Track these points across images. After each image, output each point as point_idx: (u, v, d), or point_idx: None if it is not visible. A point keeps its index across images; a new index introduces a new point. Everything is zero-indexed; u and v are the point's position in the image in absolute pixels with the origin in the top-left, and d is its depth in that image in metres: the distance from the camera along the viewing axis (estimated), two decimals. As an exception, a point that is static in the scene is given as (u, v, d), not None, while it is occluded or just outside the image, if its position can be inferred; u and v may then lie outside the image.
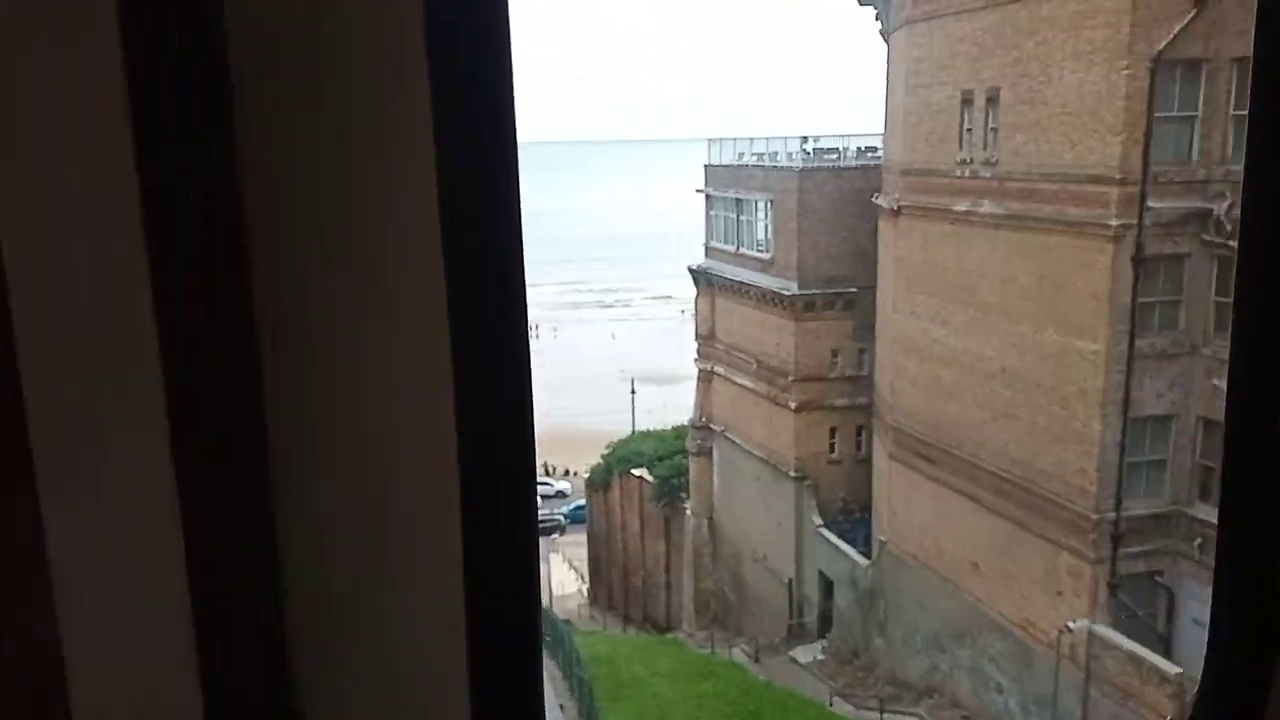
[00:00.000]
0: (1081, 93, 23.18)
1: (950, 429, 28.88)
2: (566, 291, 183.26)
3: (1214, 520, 14.47)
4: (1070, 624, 21.93)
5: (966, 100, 27.45)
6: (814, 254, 37.09)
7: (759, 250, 40.15)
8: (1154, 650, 22.68)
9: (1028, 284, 25.07)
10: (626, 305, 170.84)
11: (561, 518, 76.32)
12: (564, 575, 69.03)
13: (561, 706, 29.50)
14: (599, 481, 63.08)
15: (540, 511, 76.43)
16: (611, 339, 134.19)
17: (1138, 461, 23.43)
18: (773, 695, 30.78)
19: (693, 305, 48.67)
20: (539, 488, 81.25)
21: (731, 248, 42.52)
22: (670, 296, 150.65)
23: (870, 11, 35.65)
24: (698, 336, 47.14)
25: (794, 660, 36.54)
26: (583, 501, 71.06)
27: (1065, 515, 24.20)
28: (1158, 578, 23.92)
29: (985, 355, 26.86)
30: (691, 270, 46.49)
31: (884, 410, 33.39)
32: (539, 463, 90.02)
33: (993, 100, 26.30)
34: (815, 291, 36.94)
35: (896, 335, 31.84)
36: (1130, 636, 22.83)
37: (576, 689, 28.33)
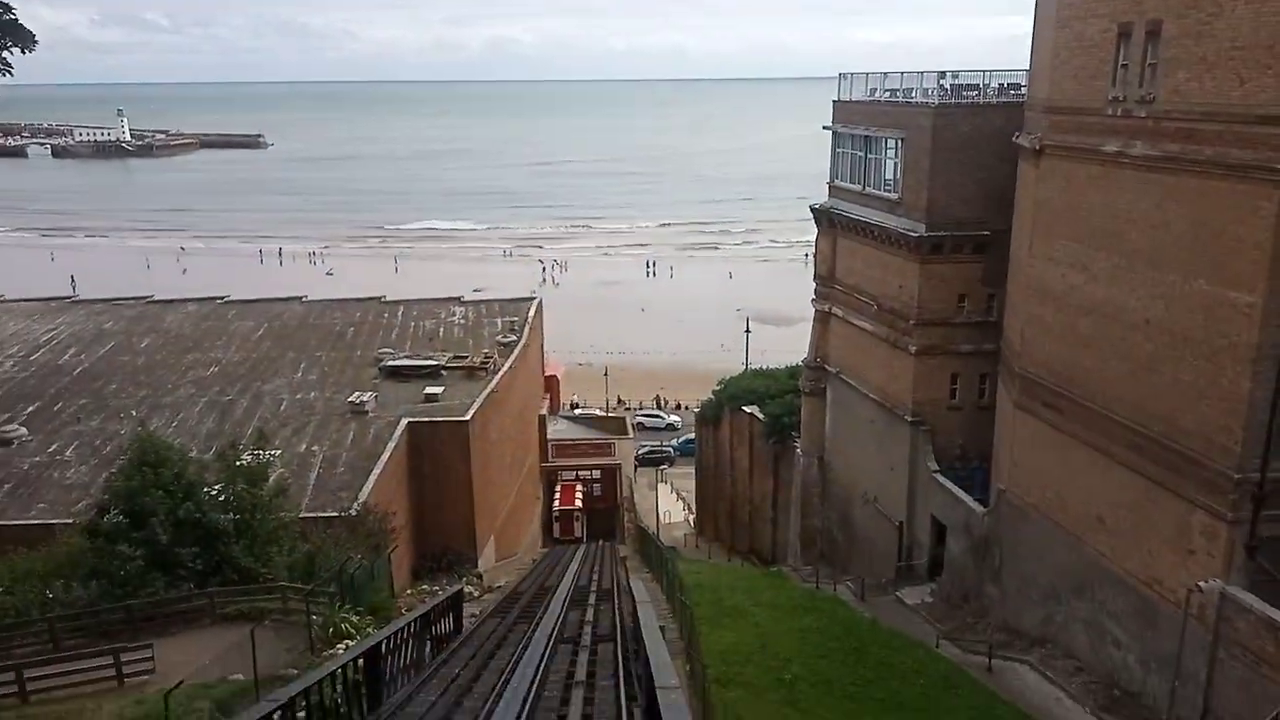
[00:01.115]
0: (1257, 25, 21.43)
1: (1084, 380, 27.74)
2: (687, 231, 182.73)
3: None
4: (1201, 583, 21.04)
5: (1124, 33, 25.72)
6: (945, 194, 35.81)
7: (886, 190, 39.02)
8: (1292, 617, 21.60)
9: (1181, 231, 23.61)
10: (748, 244, 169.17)
11: (671, 450, 77.23)
12: (671, 505, 70.17)
13: (663, 628, 30.19)
14: (710, 416, 63.47)
15: (650, 443, 77.50)
16: (729, 278, 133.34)
17: (1290, 420, 22.06)
18: (877, 633, 30.70)
19: (813, 246, 47.82)
20: (650, 420, 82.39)
21: (857, 186, 41.44)
22: (791, 243, 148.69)
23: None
24: (816, 276, 46.42)
25: (900, 601, 36.38)
26: (692, 435, 71.68)
27: (1204, 473, 23.06)
28: (1303, 542, 22.67)
29: (1128, 305, 25.54)
30: (814, 209, 45.61)
31: (1012, 358, 32.29)
32: (651, 396, 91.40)
33: (1153, 34, 24.56)
34: (944, 234, 35.75)
35: (1031, 281, 30.58)
36: (1268, 601, 21.76)
37: (678, 612, 28.80)
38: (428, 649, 20.60)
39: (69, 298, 68.03)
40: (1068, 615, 29.21)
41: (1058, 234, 28.93)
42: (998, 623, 32.56)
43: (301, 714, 12.57)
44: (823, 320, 46.04)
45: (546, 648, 18.78)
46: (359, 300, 63.91)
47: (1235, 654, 22.25)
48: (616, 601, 25.93)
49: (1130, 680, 26.38)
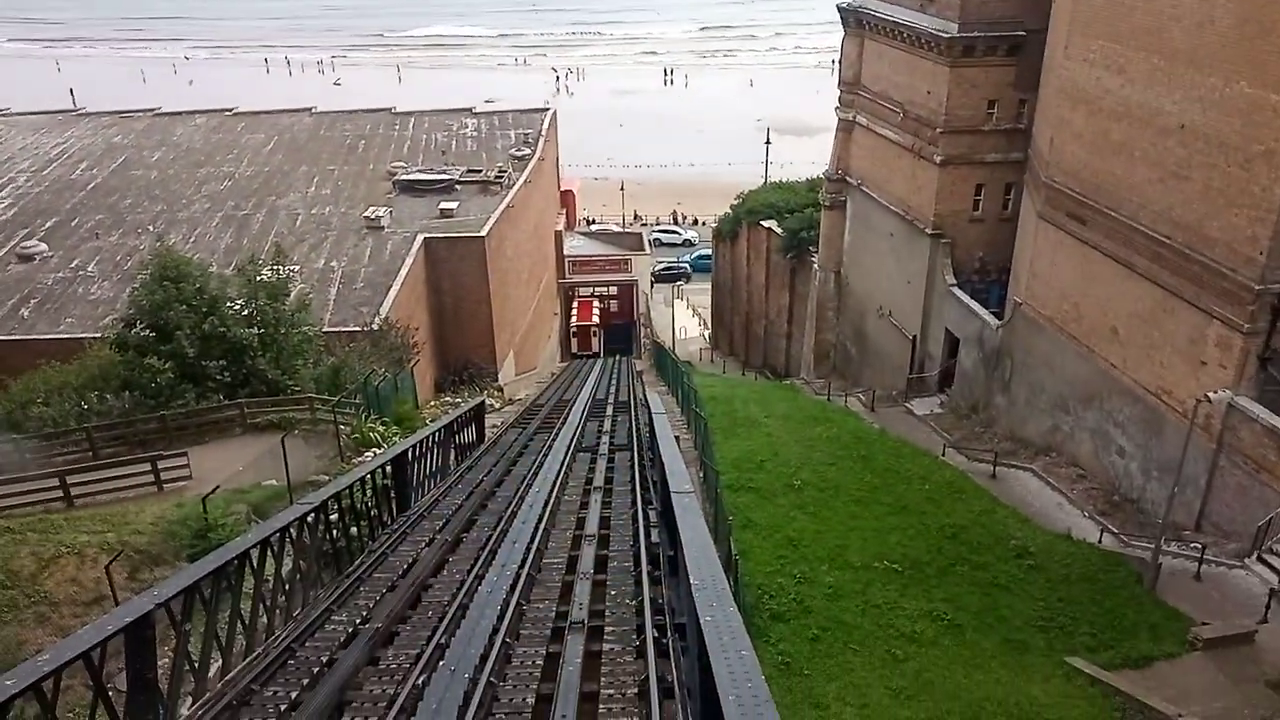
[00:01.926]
0: None
1: (1111, 189, 27.07)
2: (704, 38, 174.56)
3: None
4: (1211, 394, 21.28)
5: None
6: (980, -10, 33.79)
7: (918, -14, 36.82)
8: (1298, 426, 21.98)
9: (1227, 28, 22.30)
10: (774, 50, 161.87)
11: (688, 265, 77.06)
12: (687, 320, 70.79)
13: (678, 438, 31.16)
14: (727, 231, 62.93)
15: (668, 258, 77.29)
16: (750, 86, 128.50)
17: (1318, 231, 21.62)
18: (885, 442, 31.53)
19: (839, 50, 45.67)
20: (667, 236, 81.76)
21: (887, -17, 39.12)
22: (818, 49, 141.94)
23: None
24: (841, 83, 44.63)
25: (910, 411, 37.18)
26: (709, 250, 71.35)
27: (1225, 284, 22.85)
28: (1317, 354, 22.73)
29: (1164, 109, 24.53)
30: (840, 8, 43.25)
31: (1039, 166, 31.42)
32: (669, 211, 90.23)
33: None
34: (977, 34, 33.97)
35: (1064, 84, 29.30)
36: (1275, 411, 22.08)
37: (693, 423, 29.57)
38: (452, 457, 21.39)
39: (75, 111, 66.62)
40: (1074, 425, 29.83)
41: (1096, 33, 27.46)
42: (1004, 432, 33.33)
43: (334, 516, 13.21)
44: (846, 130, 44.66)
45: (566, 455, 19.46)
46: (369, 112, 62.31)
47: (1236, 461, 22.82)
48: (633, 413, 26.61)
49: (1130, 487, 27.23)
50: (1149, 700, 17.23)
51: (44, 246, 40.90)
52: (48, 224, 43.85)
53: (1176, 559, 22.67)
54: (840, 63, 45.16)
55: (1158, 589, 21.76)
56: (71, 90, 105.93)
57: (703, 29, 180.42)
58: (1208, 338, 23.65)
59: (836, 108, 45.10)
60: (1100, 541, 24.73)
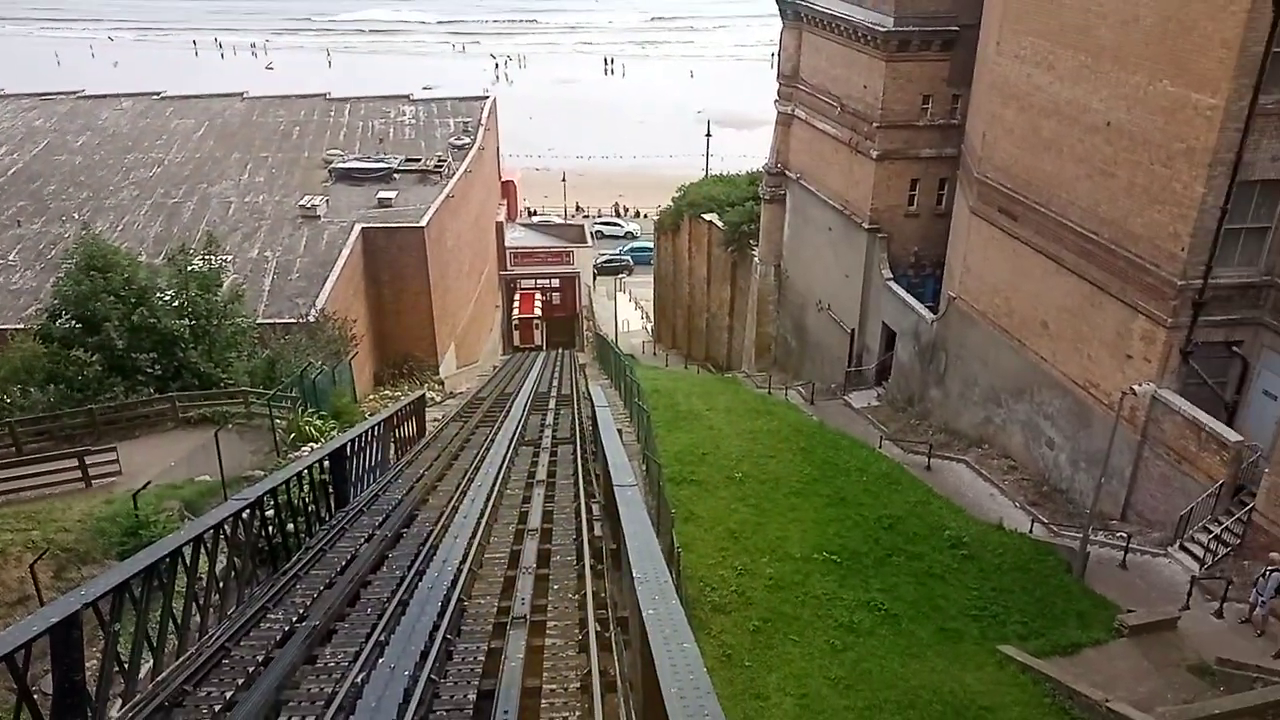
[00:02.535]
0: None
1: (1041, 185, 27.76)
2: (646, 28, 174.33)
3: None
4: (1136, 387, 21.96)
5: None
6: (916, -14, 34.32)
7: (856, -19, 37.25)
8: (1217, 418, 22.81)
9: (1150, 26, 22.98)
10: (713, 41, 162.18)
11: (629, 258, 77.08)
12: (630, 314, 70.81)
13: (620, 432, 31.21)
14: (668, 224, 63.09)
15: (609, 251, 77.21)
16: (690, 77, 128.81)
17: (1236, 228, 22.37)
18: (824, 435, 31.98)
19: (778, 43, 46.01)
20: (609, 228, 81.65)
21: (827, -23, 39.50)
22: (759, 43, 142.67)
23: None
24: (780, 76, 45.01)
25: (848, 404, 37.74)
26: (648, 243, 71.53)
27: (1149, 279, 23.61)
28: (1235, 348, 23.54)
29: (1091, 106, 25.22)
30: (779, 0, 43.57)
31: (972, 162, 32.09)
32: (610, 203, 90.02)
33: None
34: (912, 29, 34.52)
35: (996, 80, 29.95)
36: (1196, 404, 22.89)
37: (636, 416, 29.63)
38: (392, 451, 21.12)
39: (-8, 93, 64.11)
40: (1006, 417, 30.58)
41: (1026, 29, 28.11)
42: (939, 425, 34.04)
43: (270, 512, 12.96)
44: (785, 123, 45.05)
45: (508, 449, 19.35)
46: (304, 97, 61.01)
47: (1159, 453, 23.62)
48: (576, 406, 26.57)
49: (1059, 478, 28.02)
50: (1077, 686, 17.77)
51: (-39, 234, 39.34)
52: (-35, 210, 42.17)
53: (1104, 548, 23.39)
54: (779, 56, 45.53)
55: (1086, 577, 22.43)
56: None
57: (653, 19, 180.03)
58: (1133, 332, 24.40)
59: (775, 101, 45.47)
60: (1031, 531, 25.42)
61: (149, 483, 20.07)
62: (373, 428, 18.83)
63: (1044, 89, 27.33)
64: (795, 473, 27.60)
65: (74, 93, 62.22)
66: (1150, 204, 23.42)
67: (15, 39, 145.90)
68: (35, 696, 7.65)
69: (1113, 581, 22.28)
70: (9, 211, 42.24)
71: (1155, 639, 19.71)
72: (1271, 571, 18.85)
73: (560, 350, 52.42)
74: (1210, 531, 21.84)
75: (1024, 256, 28.85)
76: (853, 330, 40.21)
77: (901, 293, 36.65)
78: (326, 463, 15.69)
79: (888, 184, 37.04)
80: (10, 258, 37.83)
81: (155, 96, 60.79)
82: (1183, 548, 22.42)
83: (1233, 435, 21.90)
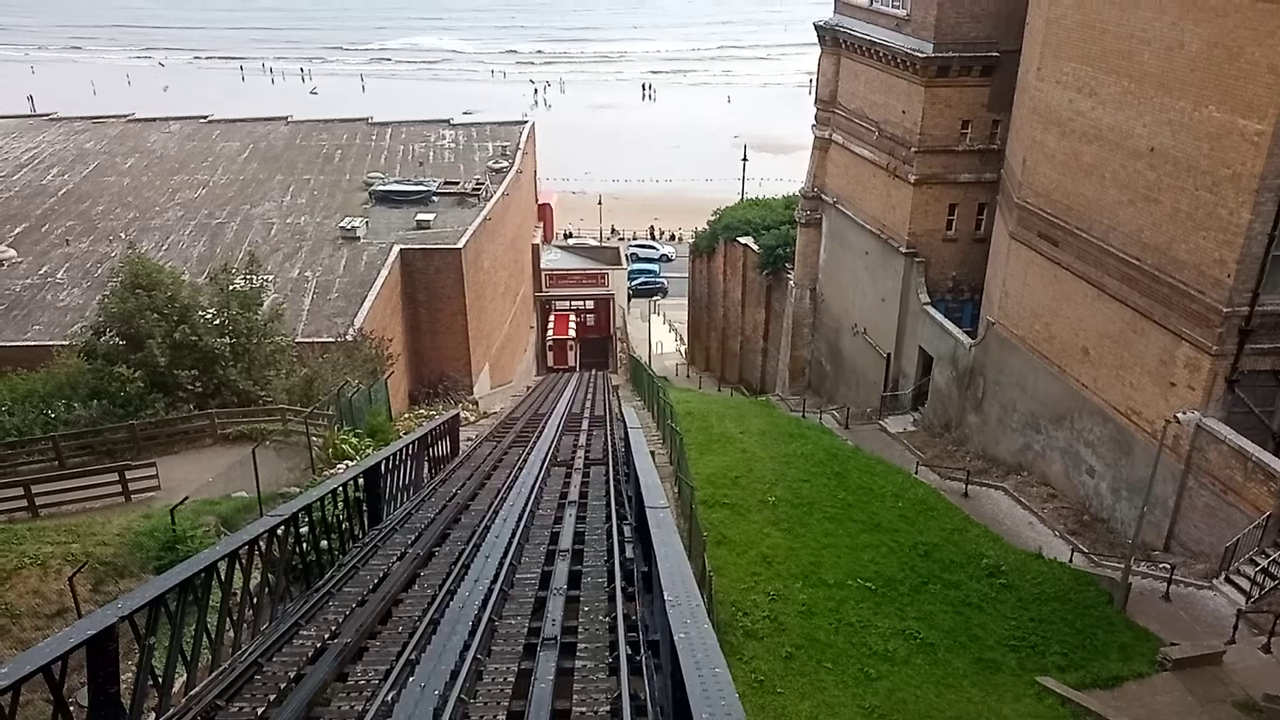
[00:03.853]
0: None
1: (1082, 210, 27.44)
2: (683, 56, 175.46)
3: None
4: (1180, 415, 21.54)
5: None
6: (955, 11, 34.25)
7: (894, 5, 37.26)
8: (1264, 447, 22.27)
9: (1196, 52, 22.72)
10: (753, 69, 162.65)
11: (664, 280, 77.18)
12: (663, 335, 70.83)
13: (653, 453, 31.13)
14: (704, 247, 63.09)
15: (644, 274, 77.40)
16: (727, 103, 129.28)
17: (1285, 255, 22.00)
18: (859, 459, 31.65)
19: (816, 68, 46.09)
20: (644, 250, 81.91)
21: (864, 1, 39.57)
22: (799, 71, 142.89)
23: None
24: (818, 101, 45.04)
25: (884, 429, 37.37)
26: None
27: (1193, 306, 23.19)
28: (1283, 376, 23.09)
29: (1134, 132, 24.93)
30: (818, 26, 43.71)
31: (1012, 187, 31.81)
32: (646, 226, 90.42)
33: None
34: (952, 55, 34.43)
35: (1037, 106, 29.71)
36: (1242, 433, 22.38)
37: (668, 439, 29.55)
38: (426, 470, 21.22)
39: (46, 115, 65.88)
40: (1045, 444, 30.09)
41: (1068, 55, 27.89)
42: (976, 451, 33.57)
43: (304, 529, 13.04)
44: (822, 148, 45.01)
45: (541, 469, 19.35)
46: (345, 121, 62.10)
47: (1204, 482, 23.09)
48: (609, 427, 26.55)
49: (1100, 507, 27.48)
50: None
51: (13, 252, 40.34)
52: (17, 230, 43.26)
53: (1146, 579, 22.87)
54: (817, 80, 45.57)
55: (1128, 609, 21.93)
56: (31, 97, 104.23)
57: (694, 49, 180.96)
58: (1177, 359, 23.96)
59: (813, 125, 45.47)
60: (1071, 561, 24.91)
61: (187, 498, 20.30)
62: (407, 446, 18.92)
63: (1086, 114, 27.06)
64: (829, 498, 27.31)
65: (124, 116, 63.80)
66: (1195, 230, 23.05)
67: (71, 66, 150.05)
68: (71, 708, 7.73)
69: (1155, 614, 21.75)
70: (58, 231, 43.27)
71: (1199, 673, 19.18)
72: (1322, 607, 18.31)
73: (594, 372, 52.51)
74: (1257, 564, 21.28)
75: (1065, 282, 28.48)
76: (889, 354, 39.88)
77: (939, 317, 36.32)
78: (361, 480, 15.78)
79: (925, 208, 36.83)
80: (59, 276, 38.70)
81: (202, 120, 62.16)
82: (1228, 580, 21.85)
83: (1281, 466, 21.38)
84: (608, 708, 8.44)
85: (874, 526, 25.65)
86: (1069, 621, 21.63)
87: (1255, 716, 17.87)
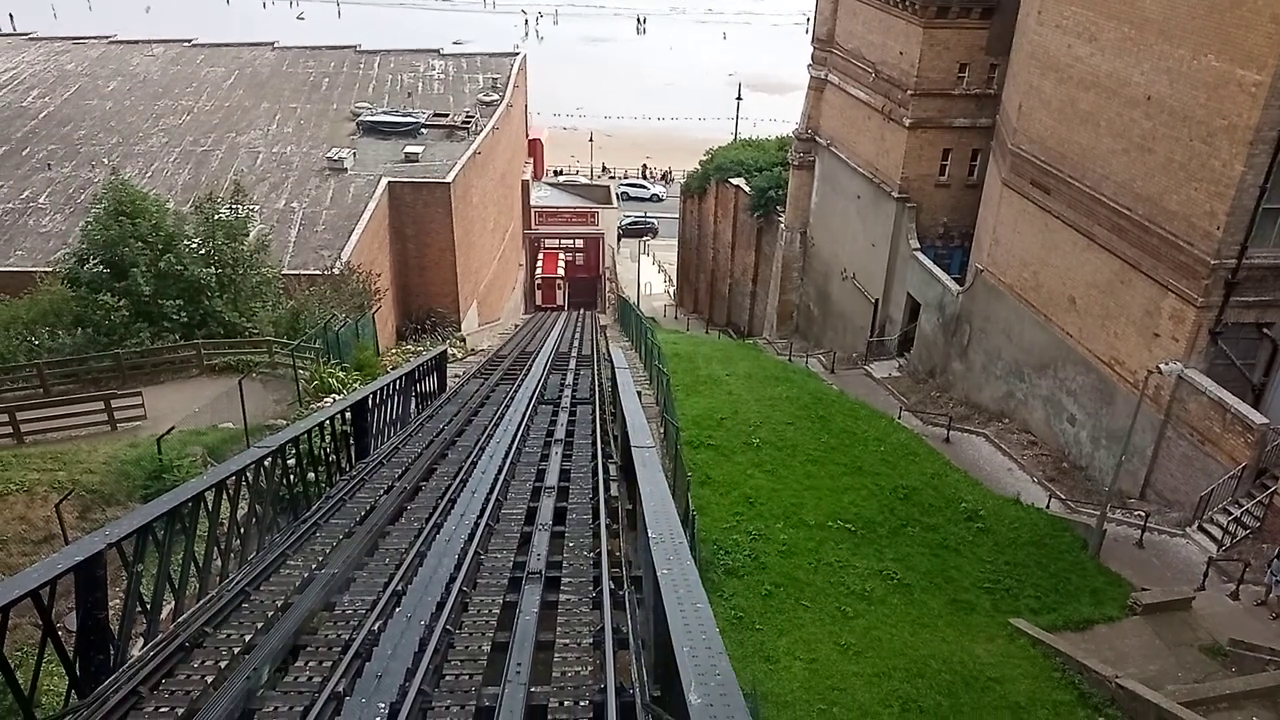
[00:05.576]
0: None
1: (1076, 158, 27.29)
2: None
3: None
4: (1162, 365, 21.72)
5: None
6: (957, -48, 33.61)
7: (896, -55, 36.49)
8: (1244, 400, 22.54)
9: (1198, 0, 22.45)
10: (742, 7, 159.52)
11: (654, 220, 76.68)
12: (652, 276, 70.70)
13: (639, 394, 31.25)
14: (695, 188, 62.64)
15: (634, 214, 76.84)
16: (723, 39, 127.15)
17: (1274, 209, 21.94)
18: (843, 404, 31.86)
19: (814, 6, 45.28)
20: (635, 189, 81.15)
21: (866, -60, 38.75)
22: (790, 11, 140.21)
23: None
24: (815, 39, 44.34)
25: (869, 374, 37.58)
26: (676, 208, 71.08)
27: (1181, 257, 23.24)
28: (1266, 329, 23.23)
29: (1132, 80, 24.69)
30: (818, -38, 42.81)
31: (1006, 133, 31.57)
32: (638, 165, 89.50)
33: None
34: (952, -5, 33.86)
35: (1035, 50, 29.35)
36: (1223, 385, 22.62)
37: (655, 379, 29.62)
38: (413, 405, 21.26)
39: (25, 35, 64.18)
40: (1028, 392, 30.36)
41: None
42: (960, 397, 33.85)
43: (291, 460, 13.10)
44: (817, 89, 44.45)
45: (528, 407, 19.43)
46: (333, 49, 60.68)
47: (1183, 432, 23.40)
48: (596, 367, 26.60)
49: (1080, 455, 27.85)
50: (1088, 661, 17.79)
51: (-8, 176, 39.64)
52: (-4, 153, 42.47)
53: (1121, 526, 23.30)
54: (814, 19, 44.81)
55: (1101, 555, 22.37)
56: (11, 15, 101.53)
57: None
58: (1162, 310, 24.09)
59: (809, 65, 44.84)
60: (1048, 507, 25.33)
61: (173, 428, 20.33)
62: (394, 381, 18.94)
63: (1084, 60, 26.77)
64: (813, 441, 27.57)
65: (106, 37, 62.22)
66: (1187, 181, 22.99)
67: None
68: (59, 633, 7.82)
69: (1128, 560, 22.22)
70: (40, 154, 42.50)
71: (1169, 618, 19.67)
72: (1290, 556, 18.73)
73: (582, 311, 52.41)
74: (1230, 513, 21.70)
75: (1055, 230, 28.46)
76: (877, 300, 39.92)
77: (928, 263, 36.30)
78: (348, 414, 15.82)
79: (919, 153, 36.55)
80: (40, 200, 38.11)
81: (186, 44, 60.69)
82: (1201, 529, 22.29)
83: (1258, 418, 21.66)
84: (590, 640, 8.62)
85: (855, 469, 25.95)
86: (1043, 566, 22.08)
87: (1220, 660, 18.40)
